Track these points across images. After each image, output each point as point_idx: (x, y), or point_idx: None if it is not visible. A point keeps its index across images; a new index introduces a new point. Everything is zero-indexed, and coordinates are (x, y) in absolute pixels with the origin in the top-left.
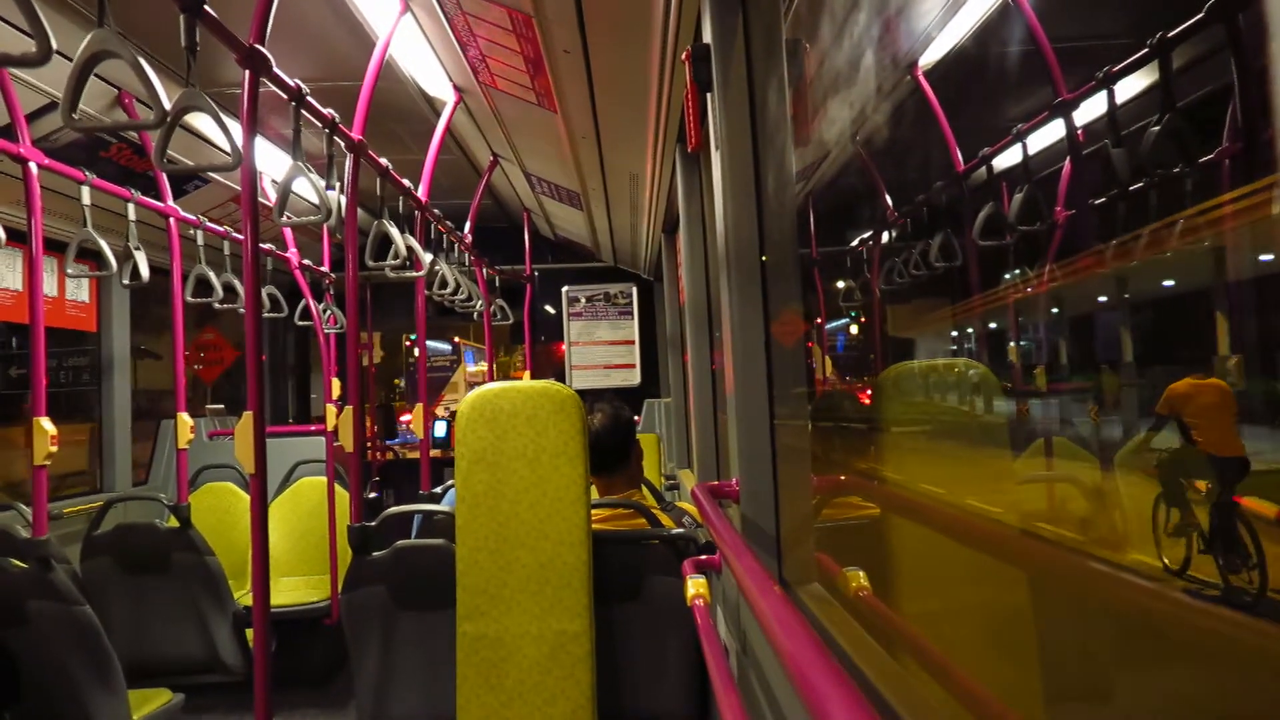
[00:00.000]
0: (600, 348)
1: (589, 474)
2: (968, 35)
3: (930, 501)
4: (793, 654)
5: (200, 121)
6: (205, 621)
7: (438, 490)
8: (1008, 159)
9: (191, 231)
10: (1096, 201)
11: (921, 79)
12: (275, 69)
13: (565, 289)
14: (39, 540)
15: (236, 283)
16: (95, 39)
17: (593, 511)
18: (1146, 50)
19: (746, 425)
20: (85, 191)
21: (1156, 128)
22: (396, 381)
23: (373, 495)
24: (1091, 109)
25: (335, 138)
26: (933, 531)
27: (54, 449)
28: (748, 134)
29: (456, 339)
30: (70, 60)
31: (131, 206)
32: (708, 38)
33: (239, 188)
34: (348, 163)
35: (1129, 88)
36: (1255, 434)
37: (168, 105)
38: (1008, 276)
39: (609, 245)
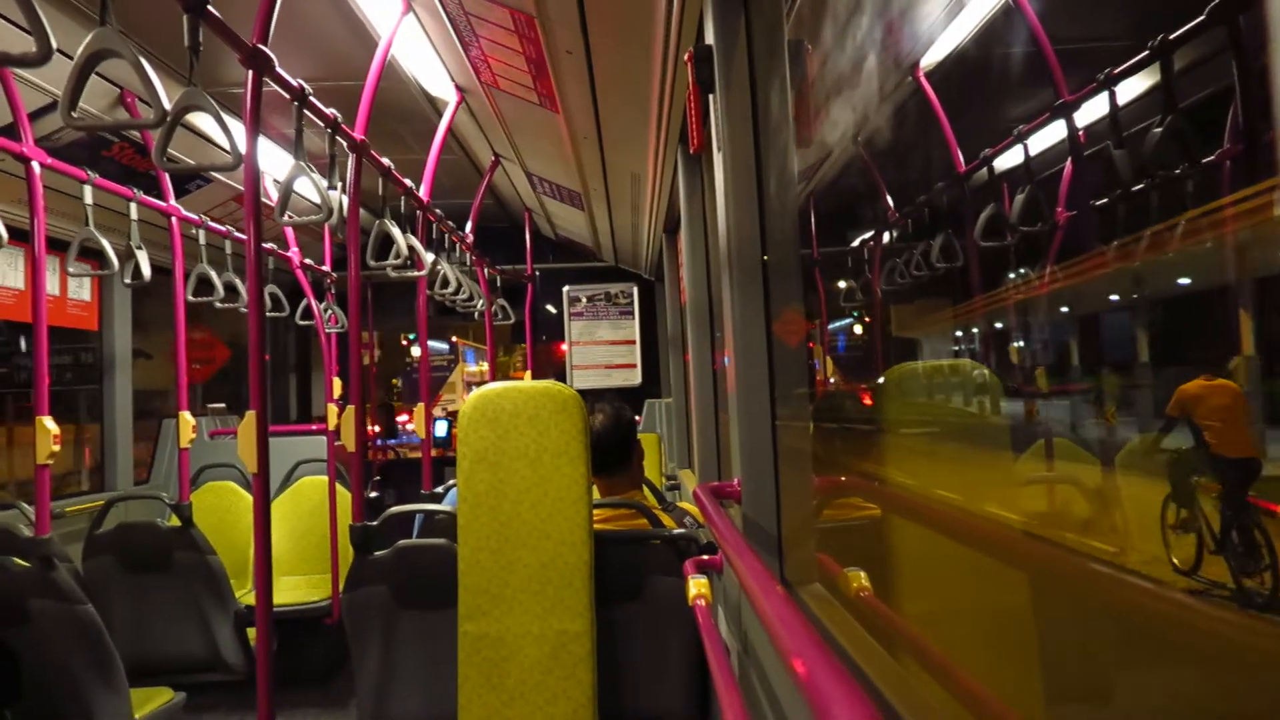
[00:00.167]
0: (601, 347)
1: (590, 474)
2: (969, 37)
3: (931, 503)
4: (796, 653)
5: (202, 121)
6: (207, 620)
7: (439, 490)
8: (1009, 160)
9: (193, 231)
10: (1098, 203)
11: (923, 80)
12: (278, 69)
13: (566, 289)
14: (41, 539)
15: (238, 282)
16: (96, 38)
17: (594, 512)
18: (1148, 52)
19: (748, 425)
20: (88, 191)
21: (1159, 129)
22: (394, 382)
23: (373, 495)
24: (1092, 111)
25: (337, 137)
26: (934, 532)
27: (57, 448)
28: (750, 135)
29: (454, 338)
30: (73, 60)
31: (134, 206)
32: (710, 39)
33: (241, 187)
34: (350, 162)
35: (1130, 89)
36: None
37: (168, 104)
38: (1012, 276)
39: (610, 245)
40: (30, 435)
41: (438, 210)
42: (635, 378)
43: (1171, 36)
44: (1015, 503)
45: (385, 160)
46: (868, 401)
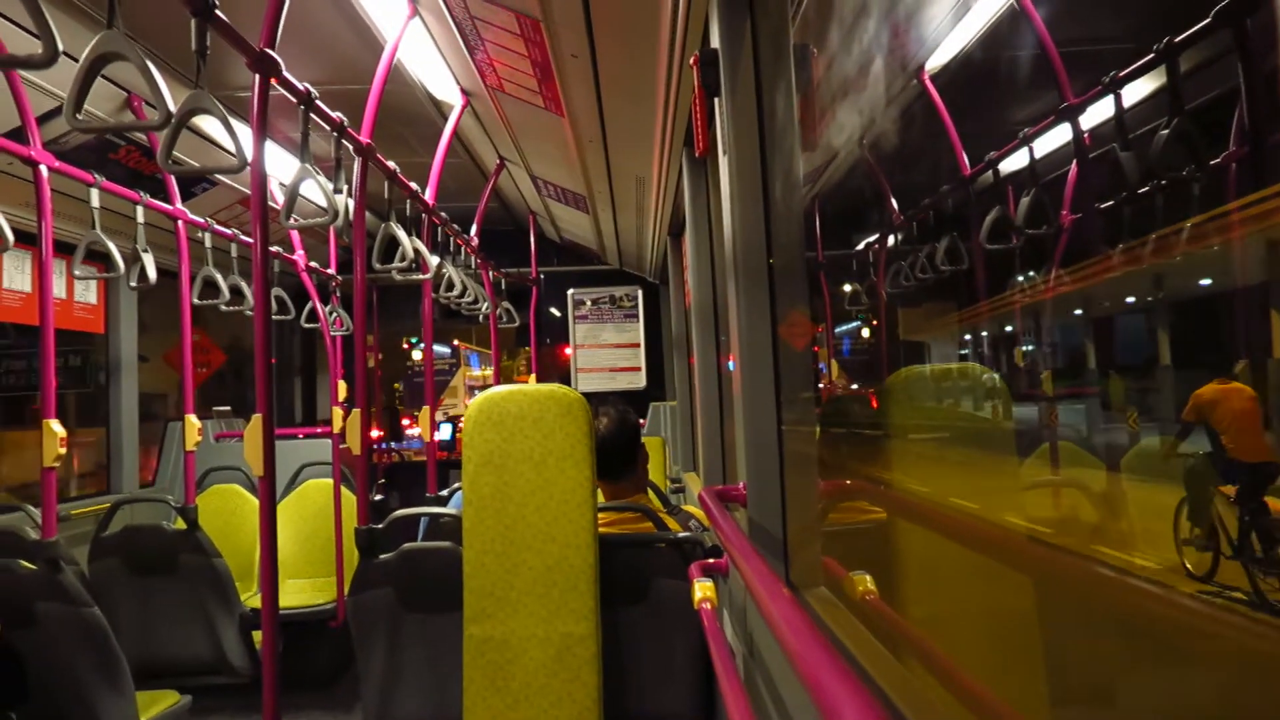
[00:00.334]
0: (606, 351)
1: (595, 477)
2: (974, 40)
3: (936, 507)
4: (803, 656)
5: (208, 124)
6: (212, 623)
7: (444, 493)
8: (1014, 163)
9: (199, 234)
10: (1103, 205)
11: (928, 83)
12: (285, 73)
13: (571, 292)
14: (48, 542)
15: (243, 285)
16: (103, 40)
17: (599, 515)
18: (1153, 55)
19: (754, 429)
20: (94, 194)
21: (1165, 131)
22: (396, 385)
23: (378, 498)
24: (1097, 114)
25: (343, 141)
26: (940, 536)
27: (63, 451)
28: (755, 138)
29: (456, 342)
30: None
31: (140, 209)
32: (715, 43)
33: (247, 190)
34: (355, 165)
35: (1135, 91)
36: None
37: (172, 107)
38: (1019, 279)
39: (615, 248)
40: (24, 439)
41: (443, 213)
42: (640, 381)
43: (1178, 39)
44: (1025, 509)
45: (391, 163)
46: (874, 405)
